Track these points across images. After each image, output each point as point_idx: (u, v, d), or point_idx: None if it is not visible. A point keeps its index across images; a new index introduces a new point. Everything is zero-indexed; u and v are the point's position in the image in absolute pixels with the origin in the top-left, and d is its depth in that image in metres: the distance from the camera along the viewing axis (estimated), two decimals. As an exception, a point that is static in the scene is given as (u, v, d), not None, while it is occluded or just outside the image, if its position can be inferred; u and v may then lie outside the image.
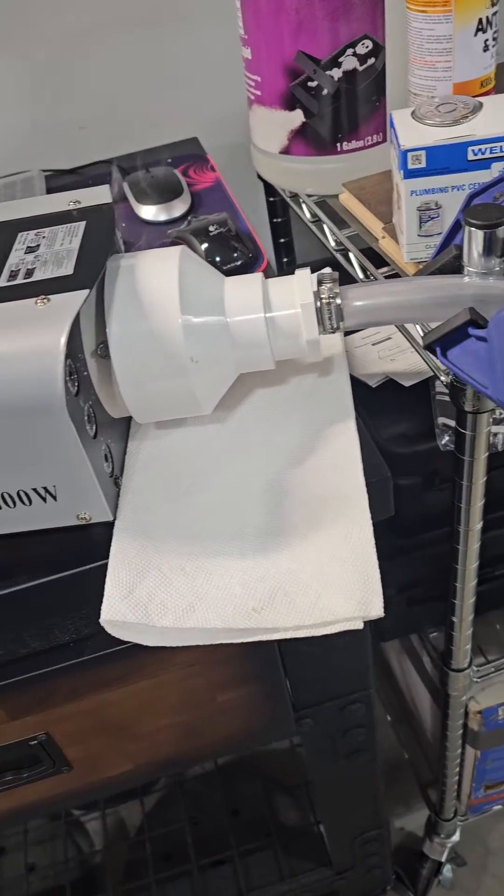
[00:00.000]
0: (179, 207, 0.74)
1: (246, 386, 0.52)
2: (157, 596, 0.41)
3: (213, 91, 0.93)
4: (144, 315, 0.42)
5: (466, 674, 0.72)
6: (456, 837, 0.97)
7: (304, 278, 0.45)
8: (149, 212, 0.74)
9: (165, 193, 0.75)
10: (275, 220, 0.88)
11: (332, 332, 0.45)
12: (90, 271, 0.42)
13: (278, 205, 0.87)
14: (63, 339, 0.37)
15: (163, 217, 0.73)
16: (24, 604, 0.45)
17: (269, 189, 0.86)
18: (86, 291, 0.40)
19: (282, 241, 0.90)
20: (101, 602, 0.42)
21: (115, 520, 0.44)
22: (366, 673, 0.63)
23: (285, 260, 0.92)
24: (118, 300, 0.43)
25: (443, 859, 0.99)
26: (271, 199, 0.87)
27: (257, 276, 0.46)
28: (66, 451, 0.40)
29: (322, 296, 0.44)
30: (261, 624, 0.41)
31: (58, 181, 0.85)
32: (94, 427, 0.43)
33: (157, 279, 0.43)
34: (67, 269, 0.42)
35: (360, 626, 0.41)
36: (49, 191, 0.82)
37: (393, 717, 1.09)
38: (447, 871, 1.02)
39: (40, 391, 0.37)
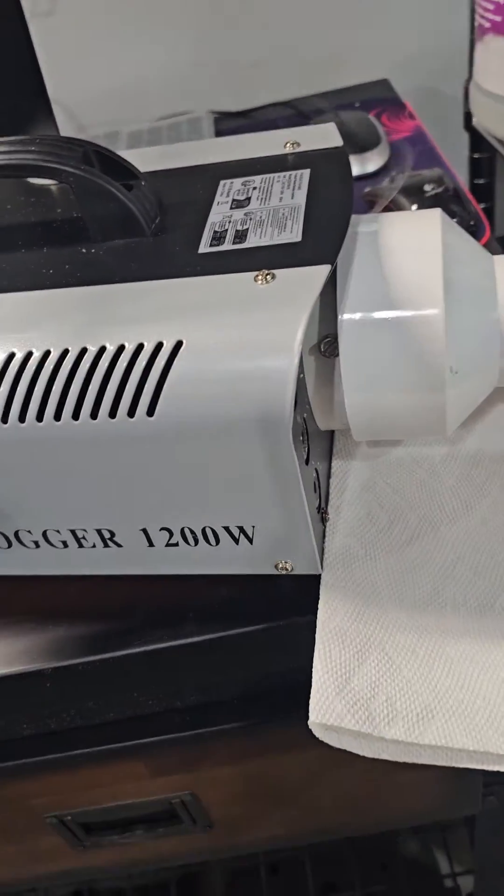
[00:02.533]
0: (375, 160, 0.62)
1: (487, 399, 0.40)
2: (382, 689, 0.30)
3: (406, 24, 0.79)
4: (392, 303, 0.31)
5: None
6: None
7: None
8: (339, 164, 0.62)
9: (359, 143, 0.62)
10: (476, 182, 0.74)
11: None
12: (327, 239, 0.30)
13: (484, 163, 0.73)
14: (299, 335, 0.26)
15: (355, 171, 0.61)
16: (190, 656, 0.36)
17: (476, 142, 0.72)
18: (326, 268, 0.28)
19: (481, 206, 0.75)
20: (279, 661, 0.32)
21: (321, 571, 0.33)
22: None
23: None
24: (356, 281, 0.31)
25: None
26: (476, 155, 0.73)
27: (539, 256, 0.33)
28: (279, 485, 0.29)
29: None
30: (526, 748, 0.29)
31: (227, 124, 0.74)
32: (306, 447, 0.32)
33: (413, 255, 0.31)
34: (293, 233, 0.31)
35: None
36: (218, 134, 0.71)
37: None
38: None
39: (260, 403, 0.26)
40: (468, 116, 0.66)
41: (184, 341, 0.27)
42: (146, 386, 0.27)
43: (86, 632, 0.37)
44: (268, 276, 0.28)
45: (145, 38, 0.78)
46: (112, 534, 0.33)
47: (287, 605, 0.34)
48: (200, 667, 0.37)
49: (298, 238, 0.30)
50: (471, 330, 0.32)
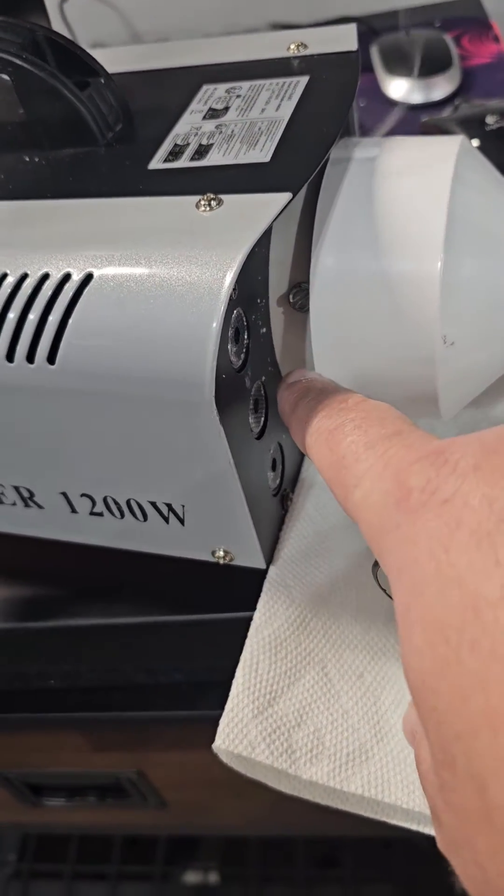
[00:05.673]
0: (443, 86, 0.54)
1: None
2: (311, 718, 0.25)
3: None
4: (377, 250, 0.25)
5: None
6: None
7: None
8: (399, 87, 0.54)
9: (427, 64, 0.54)
10: None
11: None
12: (300, 161, 0.24)
13: None
14: (229, 279, 0.21)
15: (418, 97, 0.53)
16: (122, 636, 0.32)
17: None
18: (285, 196, 0.22)
19: None
20: (224, 655, 0.27)
21: (268, 566, 0.28)
22: None
23: None
24: (339, 219, 0.25)
25: None
26: None
27: None
28: (206, 462, 0.24)
29: None
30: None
31: (288, 40, 0.66)
32: (261, 419, 0.26)
33: (414, 191, 0.25)
34: (263, 152, 0.25)
35: None
36: (274, 51, 0.63)
37: None
38: None
39: (174, 362, 0.21)
40: None
41: (94, 274, 0.22)
42: (47, 326, 0.22)
43: (18, 595, 0.34)
44: (212, 202, 0.23)
45: None
46: (31, 493, 0.28)
47: (229, 599, 0.29)
48: (135, 648, 0.33)
49: (267, 159, 0.24)
50: (480, 292, 0.25)
